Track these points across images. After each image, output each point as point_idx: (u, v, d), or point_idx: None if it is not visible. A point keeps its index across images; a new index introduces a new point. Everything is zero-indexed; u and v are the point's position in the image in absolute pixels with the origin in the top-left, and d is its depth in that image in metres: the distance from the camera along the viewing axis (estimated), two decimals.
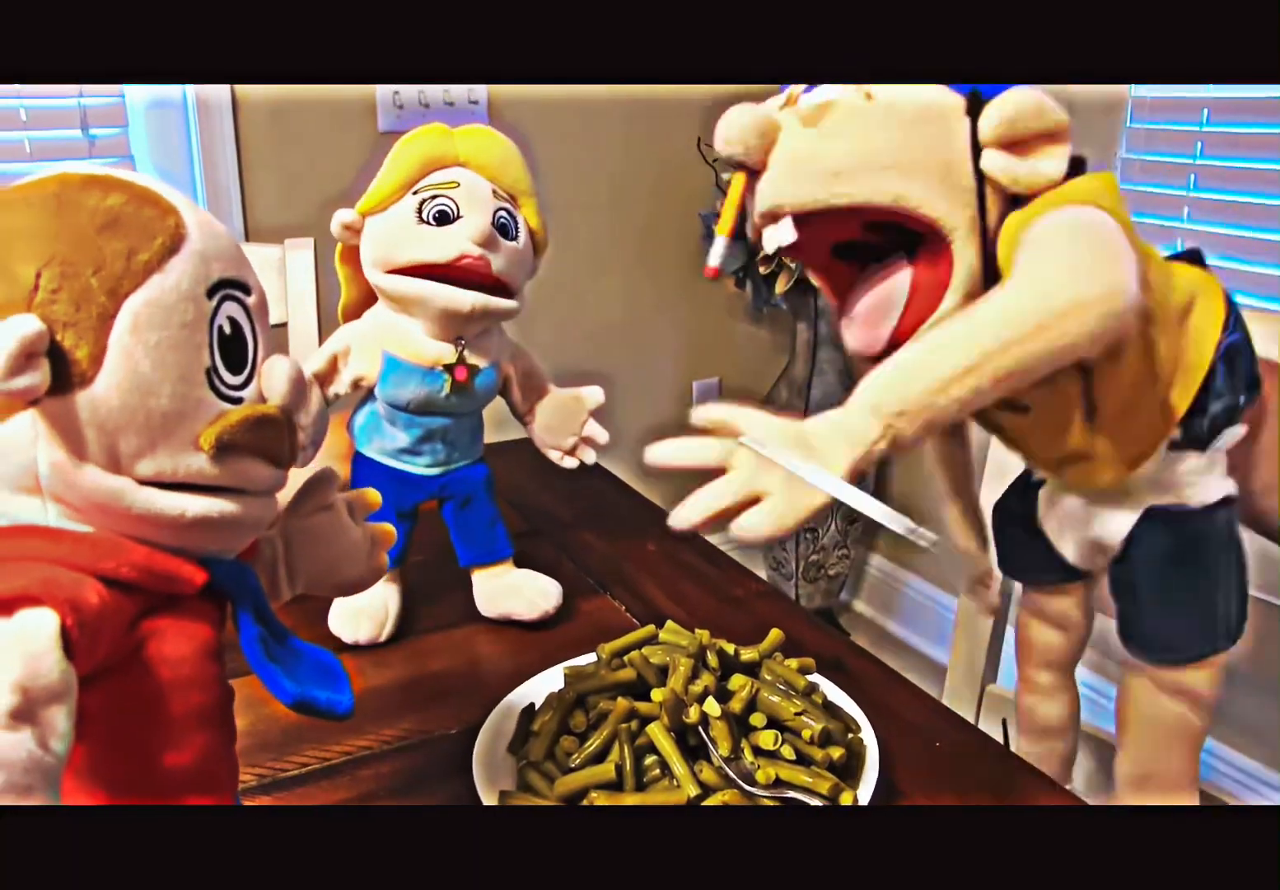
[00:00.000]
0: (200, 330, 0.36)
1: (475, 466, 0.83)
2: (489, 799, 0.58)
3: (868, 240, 0.64)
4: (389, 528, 0.51)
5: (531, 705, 0.66)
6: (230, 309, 0.38)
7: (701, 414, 0.54)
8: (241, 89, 1.64)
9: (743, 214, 0.64)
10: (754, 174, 0.62)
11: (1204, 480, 0.68)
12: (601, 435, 0.84)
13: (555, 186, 1.67)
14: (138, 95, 1.59)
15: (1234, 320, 0.66)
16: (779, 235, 0.61)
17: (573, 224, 1.94)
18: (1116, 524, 0.71)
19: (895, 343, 0.62)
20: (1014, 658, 0.88)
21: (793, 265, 1.80)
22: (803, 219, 0.61)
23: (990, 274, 0.61)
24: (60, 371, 0.33)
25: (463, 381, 0.77)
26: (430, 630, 0.81)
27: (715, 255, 0.64)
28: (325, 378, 0.78)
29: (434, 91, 1.78)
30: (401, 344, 0.76)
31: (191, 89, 1.61)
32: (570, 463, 0.85)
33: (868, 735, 0.63)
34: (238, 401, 0.38)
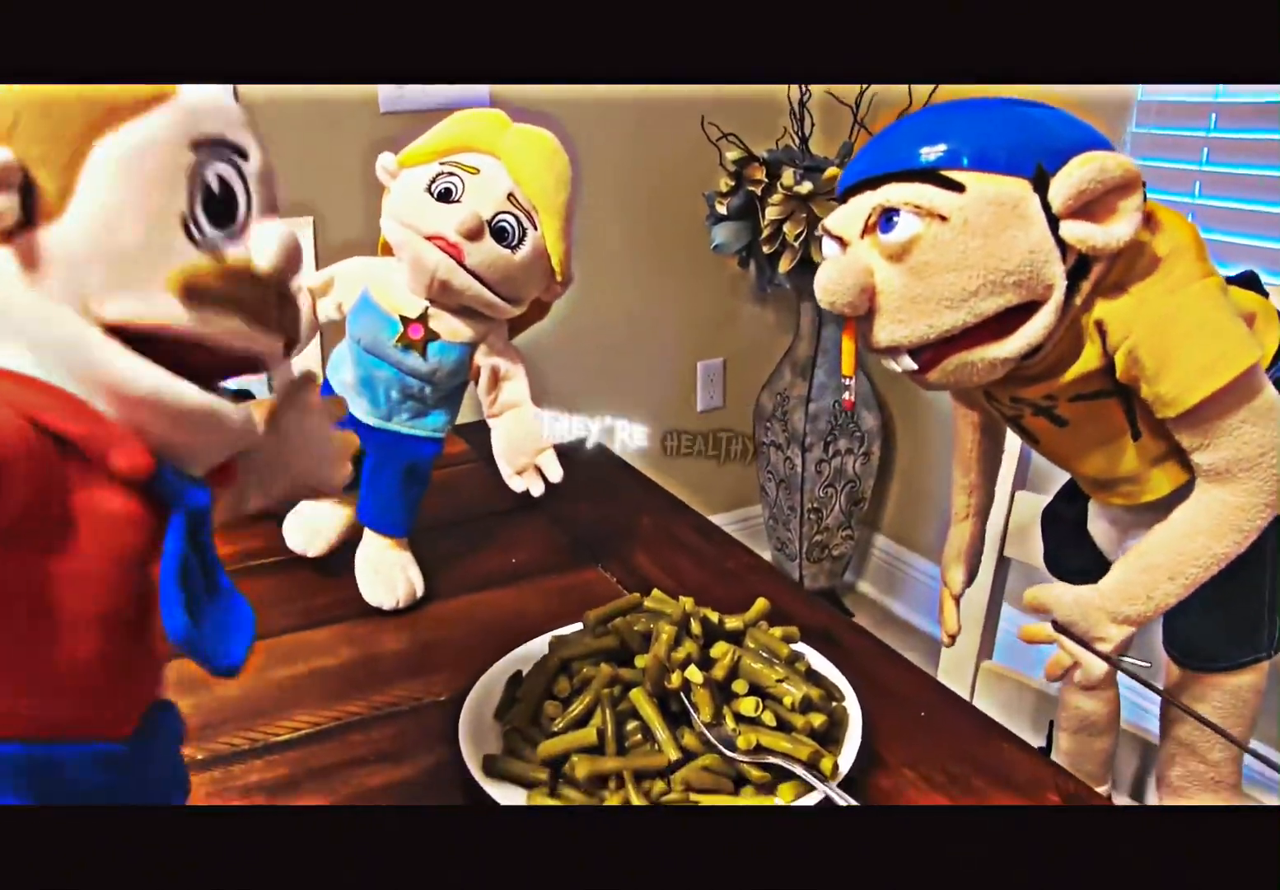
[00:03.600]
0: (179, 178, 0.36)
1: (410, 440, 0.81)
2: (473, 763, 0.59)
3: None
4: (353, 436, 0.50)
5: (519, 673, 0.67)
6: (221, 168, 0.37)
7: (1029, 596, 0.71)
8: (241, 88, 1.64)
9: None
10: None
11: None
12: (555, 472, 0.81)
13: None
14: None
15: None
16: (902, 366, 0.66)
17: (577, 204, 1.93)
18: None
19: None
20: (1010, 633, 0.88)
21: (796, 244, 1.80)
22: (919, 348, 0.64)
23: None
24: (30, 207, 0.33)
25: (414, 340, 0.77)
26: (424, 600, 0.81)
27: (850, 393, 0.71)
28: (319, 295, 0.80)
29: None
30: (380, 285, 0.79)
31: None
32: (515, 485, 0.82)
33: (851, 704, 0.63)
34: (219, 256, 0.37)
